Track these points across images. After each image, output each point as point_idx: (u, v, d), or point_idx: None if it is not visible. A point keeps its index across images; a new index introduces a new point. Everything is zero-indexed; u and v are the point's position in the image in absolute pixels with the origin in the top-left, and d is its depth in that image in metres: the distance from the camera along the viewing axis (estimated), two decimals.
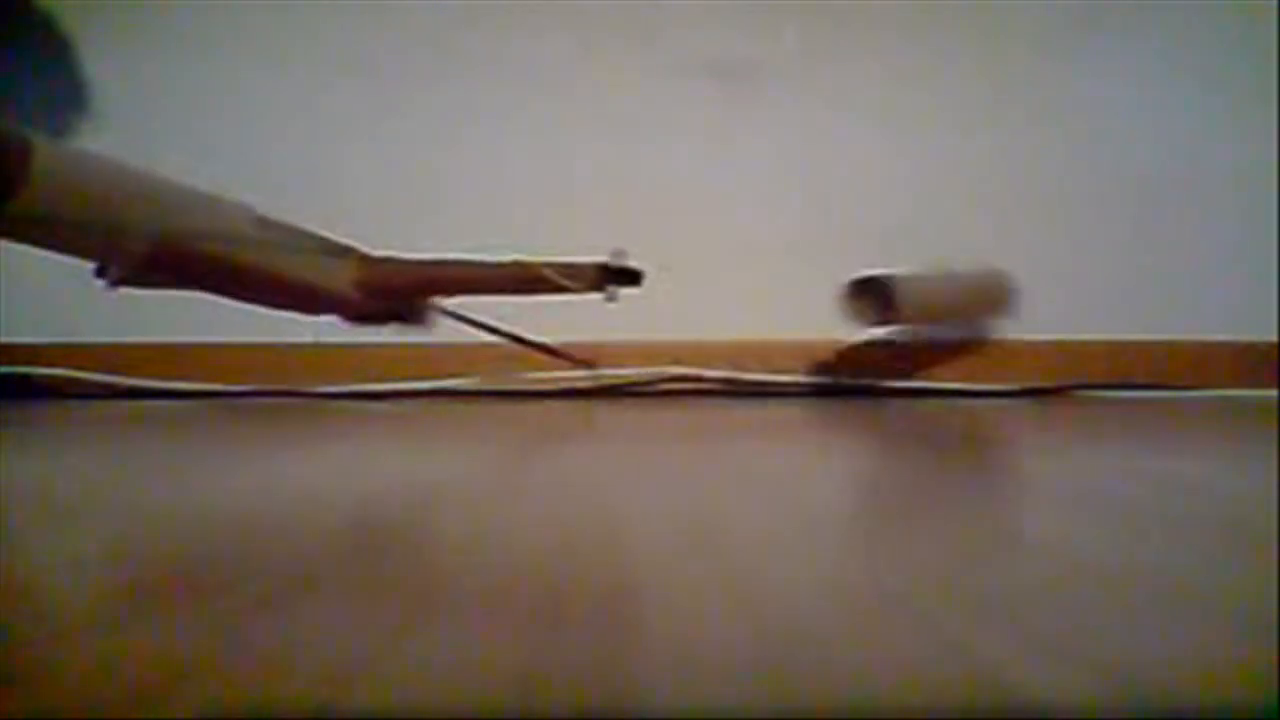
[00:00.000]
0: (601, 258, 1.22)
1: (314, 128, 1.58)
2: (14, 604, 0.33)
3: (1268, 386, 1.52)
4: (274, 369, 1.53)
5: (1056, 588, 0.34)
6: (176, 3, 1.57)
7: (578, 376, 1.52)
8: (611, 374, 1.53)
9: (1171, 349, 1.58)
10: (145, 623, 0.30)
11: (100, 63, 1.53)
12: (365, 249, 1.22)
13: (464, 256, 1.23)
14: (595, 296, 1.22)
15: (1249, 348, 1.56)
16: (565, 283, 1.19)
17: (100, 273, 1.11)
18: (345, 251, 1.19)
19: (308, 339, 1.51)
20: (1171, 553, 0.40)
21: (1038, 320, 1.57)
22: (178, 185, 1.05)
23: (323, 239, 1.17)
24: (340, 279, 1.17)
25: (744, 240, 1.61)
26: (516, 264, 1.21)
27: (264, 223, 1.10)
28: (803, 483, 0.61)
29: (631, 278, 1.23)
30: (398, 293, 1.24)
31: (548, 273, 1.19)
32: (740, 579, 0.35)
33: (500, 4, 1.59)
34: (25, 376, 1.49)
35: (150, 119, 1.53)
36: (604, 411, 1.25)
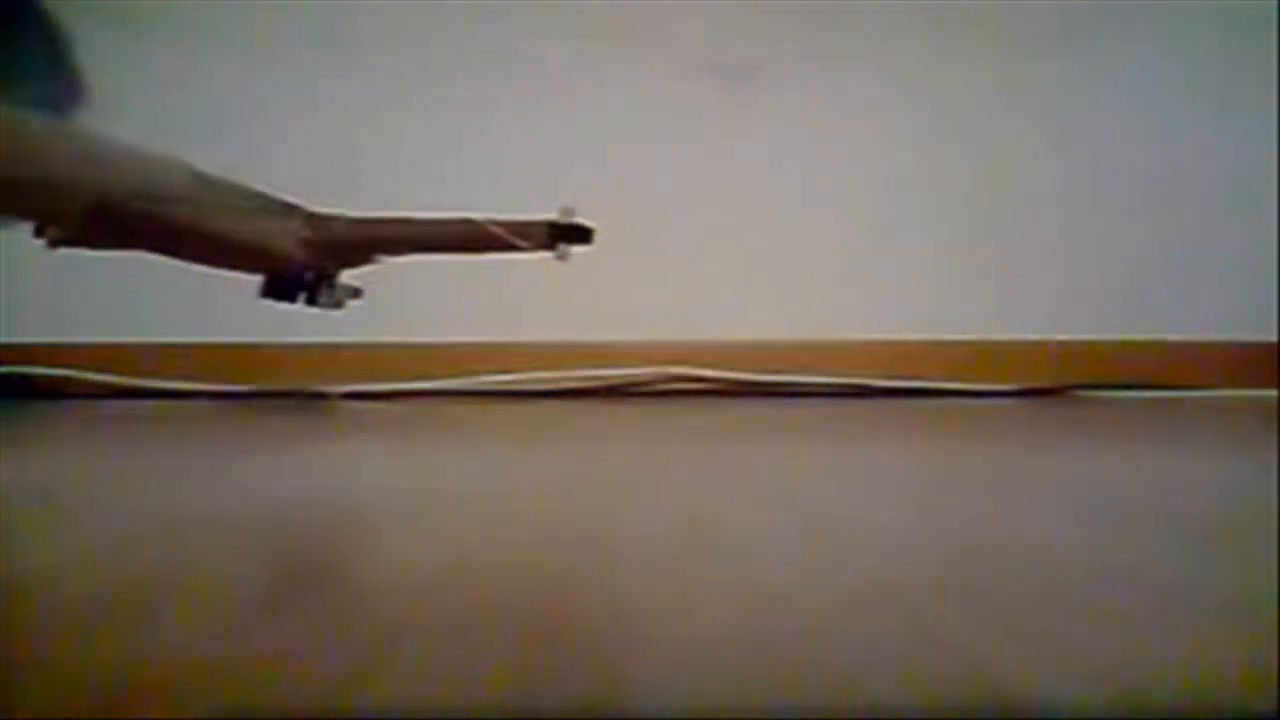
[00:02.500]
0: (550, 215, 1.20)
1: (314, 127, 1.58)
2: (14, 604, 0.33)
3: (1268, 386, 1.52)
4: (274, 369, 1.53)
5: (1056, 588, 0.34)
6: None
7: (577, 376, 1.52)
8: (611, 374, 1.52)
9: (1171, 349, 1.58)
10: (145, 623, 0.30)
11: (97, 56, 1.52)
12: (310, 206, 1.19)
13: (411, 215, 1.21)
14: (546, 255, 1.20)
15: (1249, 348, 1.56)
16: (514, 240, 1.17)
17: (39, 233, 1.10)
18: (289, 209, 1.17)
19: (312, 339, 1.51)
20: (1171, 552, 0.40)
21: (1038, 320, 1.57)
22: (114, 142, 1.04)
23: (266, 196, 1.15)
24: (284, 237, 1.15)
25: (744, 240, 1.61)
26: (465, 222, 1.19)
27: (205, 180, 1.08)
28: (802, 483, 0.61)
29: (581, 235, 1.20)
30: (343, 251, 1.21)
31: (496, 230, 1.17)
32: (740, 579, 0.35)
33: (500, 3, 1.59)
34: (25, 376, 1.49)
35: (148, 114, 1.53)
36: (604, 411, 1.25)
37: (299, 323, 1.50)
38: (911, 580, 0.35)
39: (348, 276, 1.27)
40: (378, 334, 1.54)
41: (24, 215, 1.05)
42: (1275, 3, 1.57)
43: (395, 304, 1.58)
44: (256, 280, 1.24)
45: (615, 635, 0.29)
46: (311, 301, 1.22)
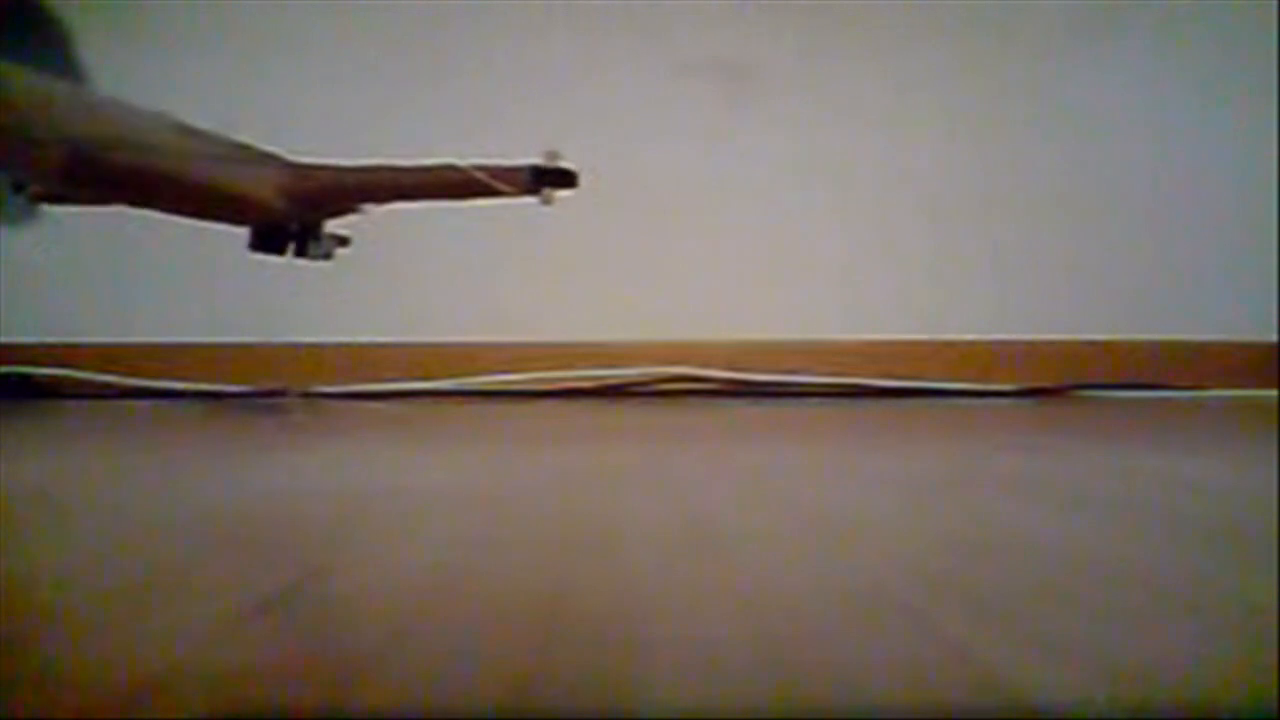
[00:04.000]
0: (534, 159, 1.18)
1: (312, 126, 1.58)
2: (14, 604, 0.33)
3: (1268, 386, 1.52)
4: (273, 369, 1.53)
5: (1056, 588, 0.34)
6: None
7: (577, 376, 1.52)
8: (611, 374, 1.52)
9: (1171, 349, 1.58)
10: (144, 623, 0.30)
11: (98, 52, 1.52)
12: (290, 155, 1.18)
13: (393, 161, 1.20)
14: (530, 199, 1.18)
15: (1249, 348, 1.56)
16: (498, 185, 1.16)
17: (19, 189, 1.09)
18: (269, 159, 1.16)
19: (311, 339, 1.51)
20: (1171, 553, 0.40)
21: (1038, 320, 1.57)
22: (93, 94, 1.03)
23: (246, 146, 1.14)
24: (265, 187, 1.14)
25: (744, 240, 1.61)
26: (448, 167, 1.18)
27: (185, 130, 1.08)
28: (802, 483, 0.61)
29: (565, 179, 1.19)
30: (327, 199, 1.20)
31: (479, 175, 1.16)
32: (740, 579, 0.35)
33: (500, 3, 1.59)
34: (25, 376, 1.49)
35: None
36: (604, 411, 1.25)
37: (298, 323, 1.50)
38: (911, 580, 0.35)
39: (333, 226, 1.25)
40: (376, 334, 1.54)
41: (4, 167, 1.04)
42: (1275, 3, 1.57)
43: (394, 304, 1.58)
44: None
45: (615, 635, 0.29)
46: (301, 253, 1.21)
